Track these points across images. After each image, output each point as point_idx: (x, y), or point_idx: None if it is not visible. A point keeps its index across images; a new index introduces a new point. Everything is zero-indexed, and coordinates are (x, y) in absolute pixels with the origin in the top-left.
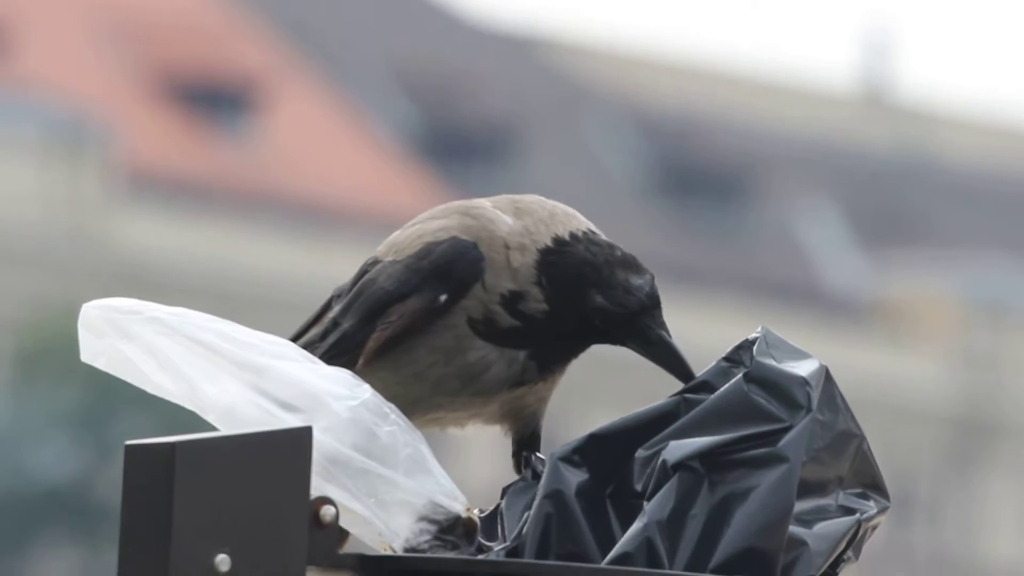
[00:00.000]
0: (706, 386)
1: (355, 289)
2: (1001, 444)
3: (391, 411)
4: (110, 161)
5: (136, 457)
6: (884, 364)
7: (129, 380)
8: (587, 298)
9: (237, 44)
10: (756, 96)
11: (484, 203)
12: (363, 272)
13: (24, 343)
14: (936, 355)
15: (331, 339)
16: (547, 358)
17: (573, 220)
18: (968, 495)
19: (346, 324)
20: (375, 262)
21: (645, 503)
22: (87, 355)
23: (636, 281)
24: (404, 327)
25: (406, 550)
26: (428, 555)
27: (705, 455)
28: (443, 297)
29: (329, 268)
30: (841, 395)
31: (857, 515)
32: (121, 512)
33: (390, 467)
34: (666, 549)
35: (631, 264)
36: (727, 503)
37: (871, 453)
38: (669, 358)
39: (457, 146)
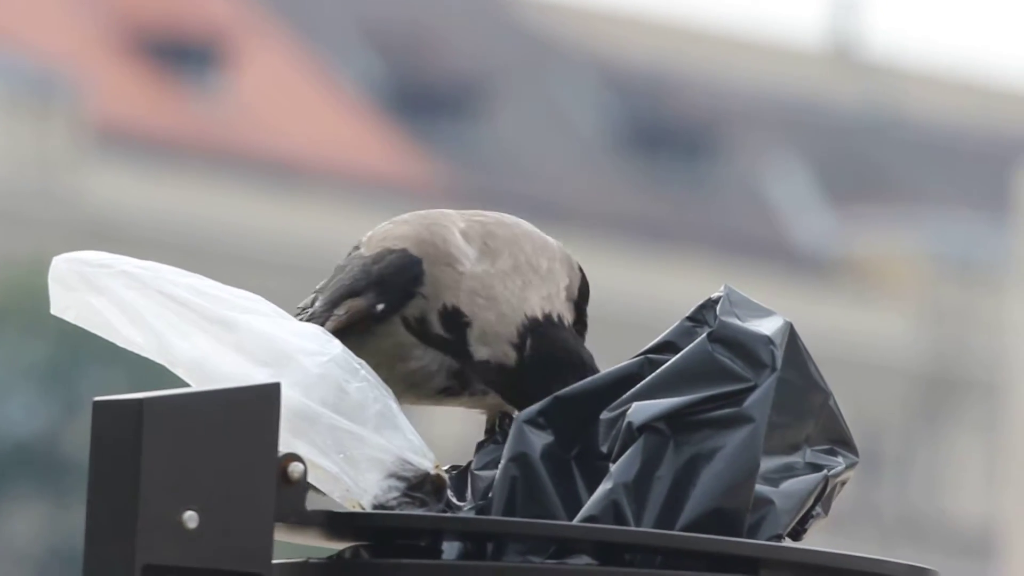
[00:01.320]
0: (670, 346)
1: (335, 269)
2: (968, 401)
3: (361, 367)
4: (78, 117)
5: (104, 413)
6: (851, 320)
7: (99, 333)
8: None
9: None
10: (724, 52)
11: (453, 223)
12: (350, 252)
13: None
14: (903, 311)
15: (306, 314)
16: (473, 379)
17: (541, 288)
18: (935, 452)
19: (317, 304)
20: (357, 247)
21: (611, 465)
22: (57, 308)
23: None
24: (346, 324)
25: (374, 507)
26: (397, 512)
27: (670, 416)
28: (380, 306)
29: (297, 223)
30: (807, 351)
31: (824, 471)
32: (89, 468)
33: (359, 423)
34: (632, 511)
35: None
36: (693, 464)
37: (838, 409)
38: None
39: (425, 102)
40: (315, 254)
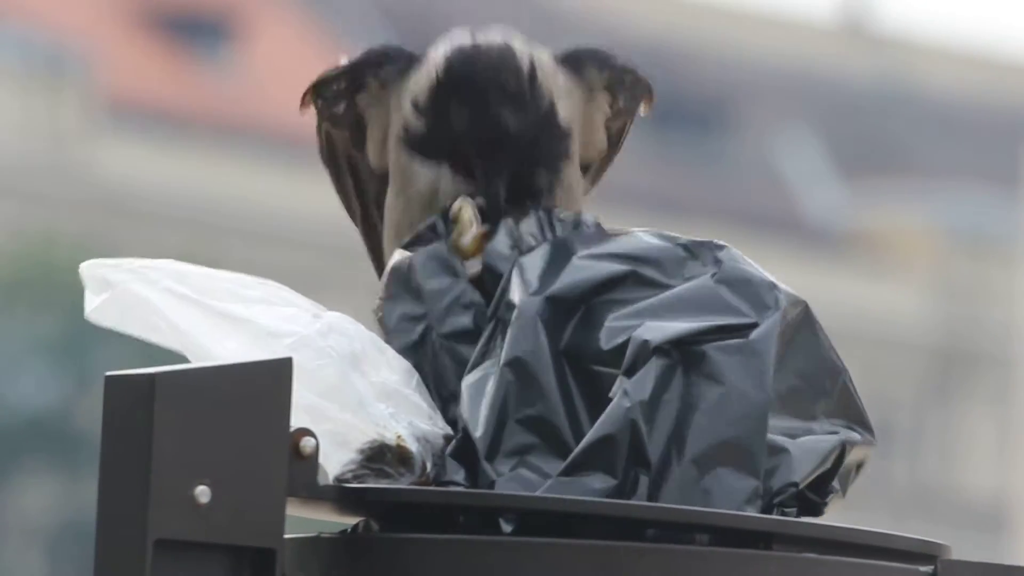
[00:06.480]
0: (657, 264)
1: None
2: (981, 375)
3: (332, 345)
4: (90, 91)
5: (116, 388)
6: (863, 294)
7: (133, 334)
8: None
9: None
10: (736, 26)
11: None
12: None
13: (3, 273)
14: (916, 286)
15: None
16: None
17: None
18: (947, 426)
19: None
20: None
21: (622, 377)
22: (90, 312)
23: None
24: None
25: (334, 480)
26: (406, 487)
27: (680, 340)
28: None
29: (308, 198)
30: (822, 329)
31: (841, 435)
32: (101, 443)
33: (326, 399)
34: (646, 432)
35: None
36: (700, 391)
37: (855, 389)
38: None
39: None
40: (326, 229)
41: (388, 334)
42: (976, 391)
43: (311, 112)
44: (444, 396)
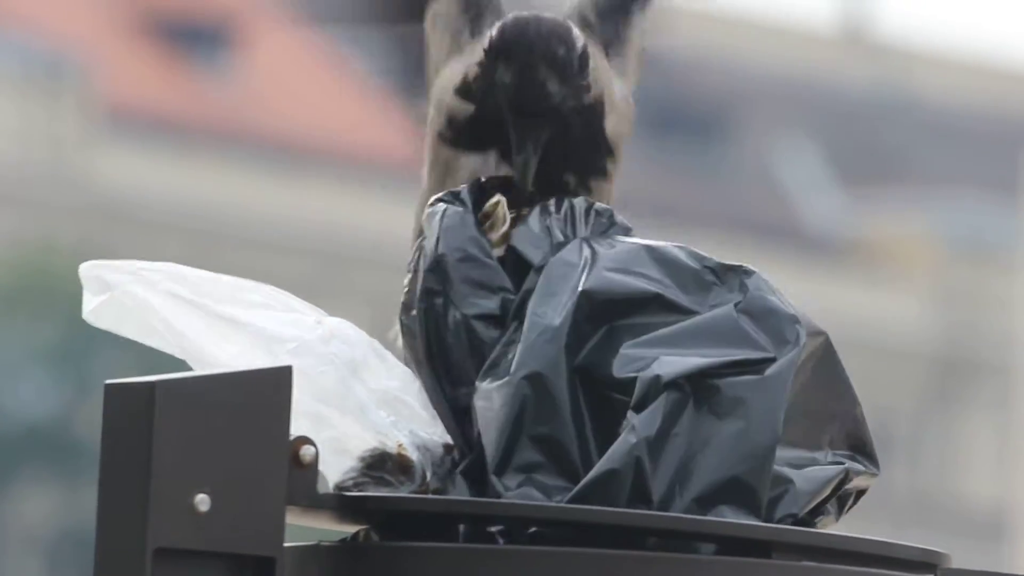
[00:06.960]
0: (683, 287)
1: None
2: (980, 382)
3: (334, 351)
4: (89, 98)
5: (116, 396)
6: (863, 302)
7: (131, 337)
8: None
9: None
10: (736, 34)
11: None
12: None
13: (2, 280)
14: (915, 294)
15: None
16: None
17: None
18: (947, 434)
19: None
20: None
21: (631, 412)
22: (88, 313)
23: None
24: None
25: (334, 488)
26: (407, 496)
27: (694, 375)
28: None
29: (307, 206)
30: (839, 360)
31: (845, 465)
32: (101, 451)
33: (327, 406)
34: (650, 469)
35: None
36: (711, 427)
37: (865, 423)
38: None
39: None
40: (325, 237)
41: (408, 308)
42: (976, 399)
43: None
44: (452, 377)
